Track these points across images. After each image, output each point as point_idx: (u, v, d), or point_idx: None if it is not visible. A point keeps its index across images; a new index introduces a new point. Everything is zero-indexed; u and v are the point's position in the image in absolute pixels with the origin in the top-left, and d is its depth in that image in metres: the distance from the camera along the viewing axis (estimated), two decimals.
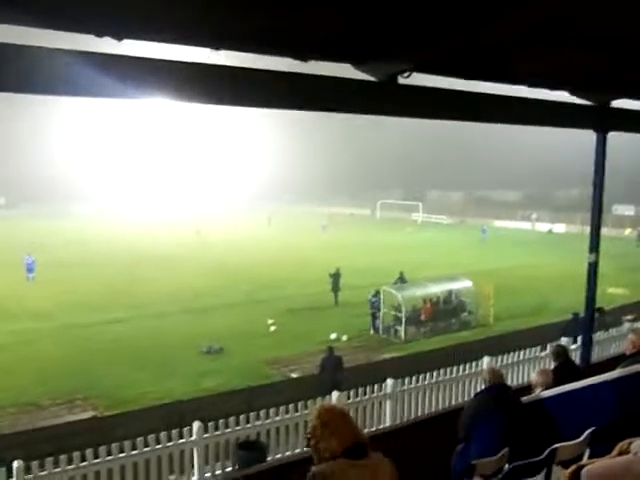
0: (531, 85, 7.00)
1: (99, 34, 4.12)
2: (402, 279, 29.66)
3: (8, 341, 23.11)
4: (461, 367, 13.62)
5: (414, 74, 5.74)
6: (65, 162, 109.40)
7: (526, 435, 5.37)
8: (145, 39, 4.47)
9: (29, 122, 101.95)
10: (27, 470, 9.02)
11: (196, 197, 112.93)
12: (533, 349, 14.76)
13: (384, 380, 12.60)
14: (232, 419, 10.76)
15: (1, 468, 8.97)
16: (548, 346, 13.94)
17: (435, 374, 13.15)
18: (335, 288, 30.30)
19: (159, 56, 4.50)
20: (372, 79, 5.69)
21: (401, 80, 5.73)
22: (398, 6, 4.25)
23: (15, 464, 9.07)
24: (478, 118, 7.78)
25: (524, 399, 6.04)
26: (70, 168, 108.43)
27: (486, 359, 13.99)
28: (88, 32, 4.12)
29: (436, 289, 26.72)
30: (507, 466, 5.13)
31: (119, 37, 4.20)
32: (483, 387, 6.31)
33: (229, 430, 10.66)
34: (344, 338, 23.32)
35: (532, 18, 4.50)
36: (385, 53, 5.45)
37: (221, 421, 10.65)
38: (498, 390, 5.97)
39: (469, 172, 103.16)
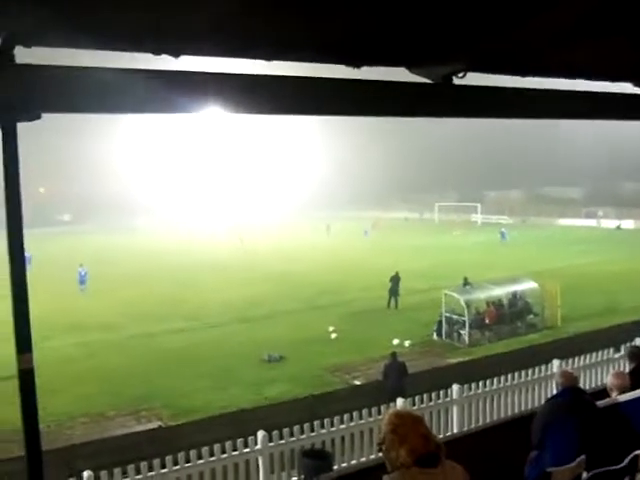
0: (590, 78, 6.74)
1: (156, 52, 4.16)
2: (467, 284, 29.00)
3: (75, 352, 23.72)
4: (530, 371, 13.26)
5: (469, 73, 5.61)
6: (127, 177, 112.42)
7: (604, 441, 5.13)
8: (203, 54, 4.50)
9: (91, 139, 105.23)
10: None
11: (252, 205, 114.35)
12: (606, 351, 14.25)
13: (449, 386, 12.36)
14: (296, 428, 10.71)
15: (71, 478, 9.14)
16: (622, 348, 13.43)
17: (503, 379, 12.82)
18: (394, 292, 29.99)
19: (217, 69, 4.52)
20: (427, 81, 5.60)
21: (456, 80, 5.61)
22: (452, 5, 4.14)
23: (85, 474, 9.26)
24: (538, 115, 7.54)
25: (600, 403, 5.78)
26: (132, 182, 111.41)
27: (556, 362, 13.59)
28: (145, 51, 4.16)
29: (500, 291, 26.16)
30: (585, 474, 4.89)
31: (176, 54, 4.23)
32: (555, 391, 6.06)
33: (294, 439, 10.61)
34: (407, 343, 23.04)
35: (588, 6, 4.32)
36: (440, 54, 5.36)
37: (285, 430, 10.61)
38: (572, 394, 5.72)
39: (526, 170, 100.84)
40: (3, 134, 3.62)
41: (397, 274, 30.45)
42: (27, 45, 3.53)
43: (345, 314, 28.65)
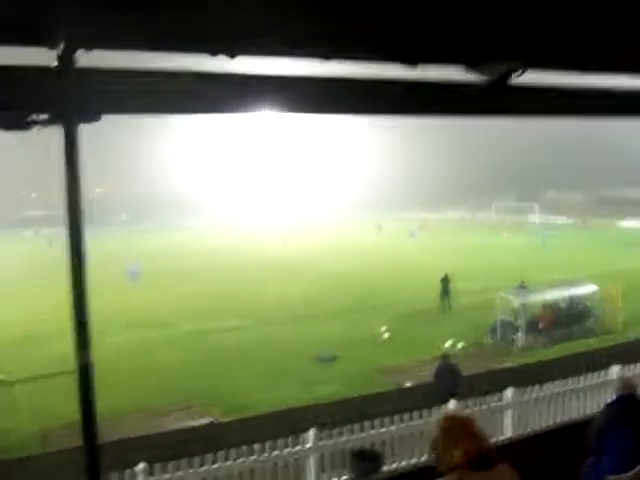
0: None
1: (213, 53, 4.24)
2: (522, 286, 28.41)
3: (131, 348, 24.31)
4: (587, 376, 12.95)
5: (526, 73, 5.53)
6: (182, 177, 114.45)
7: None
8: (257, 54, 4.54)
9: (148, 139, 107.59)
10: (150, 473, 9.37)
11: (304, 205, 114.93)
12: None
13: (503, 389, 12.18)
14: (346, 427, 10.72)
15: (126, 470, 9.36)
16: None
17: (559, 383, 12.56)
18: (445, 294, 29.75)
19: (270, 71, 4.58)
20: (484, 81, 5.53)
21: (513, 79, 5.54)
22: (507, 3, 4.10)
23: (140, 466, 9.47)
24: (599, 113, 7.35)
25: None
26: (187, 182, 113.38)
27: (615, 368, 13.22)
28: (201, 52, 4.24)
29: (556, 294, 25.56)
30: None
31: (232, 54, 4.30)
32: (614, 398, 5.92)
33: (344, 439, 10.62)
34: (459, 345, 22.76)
35: None
36: (498, 53, 5.29)
37: (335, 430, 10.63)
38: (630, 401, 5.58)
39: (588, 171, 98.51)
40: (65, 134, 3.74)
41: (446, 276, 30.18)
42: (88, 48, 3.64)
43: (398, 315, 28.49)
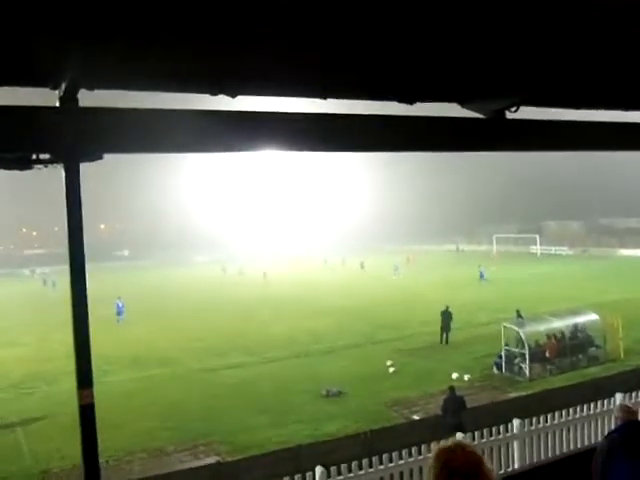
0: None
1: (214, 93, 4.30)
2: (519, 317, 28.32)
3: (133, 387, 24.18)
4: (592, 405, 12.84)
5: (522, 108, 5.62)
6: (185, 213, 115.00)
7: None
8: (257, 94, 4.62)
9: (151, 176, 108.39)
10: None
11: (301, 240, 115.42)
12: None
13: (510, 420, 12.06)
14: (354, 464, 10.58)
15: None
16: None
17: (564, 413, 12.45)
18: (446, 327, 29.55)
19: (272, 107, 4.63)
20: (479, 116, 5.62)
21: (509, 115, 5.62)
22: (502, 43, 4.19)
23: None
24: (591, 147, 7.47)
25: None
26: (190, 219, 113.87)
27: (618, 395, 13.14)
28: (204, 92, 4.31)
29: (560, 324, 25.48)
30: None
31: (233, 94, 4.36)
32: (614, 426, 5.85)
33: (352, 475, 10.49)
34: (466, 377, 22.61)
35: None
36: (492, 90, 5.39)
37: (343, 466, 10.50)
38: (631, 428, 5.50)
39: (588, 201, 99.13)
40: (67, 173, 3.77)
41: (447, 308, 30.04)
42: (90, 88, 3.70)
43: (403, 349, 28.42)
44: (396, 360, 25.44)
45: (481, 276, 54.98)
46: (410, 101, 5.19)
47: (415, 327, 32.99)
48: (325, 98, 4.78)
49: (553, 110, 6.00)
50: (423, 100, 5.24)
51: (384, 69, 4.50)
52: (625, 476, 4.95)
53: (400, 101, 5.14)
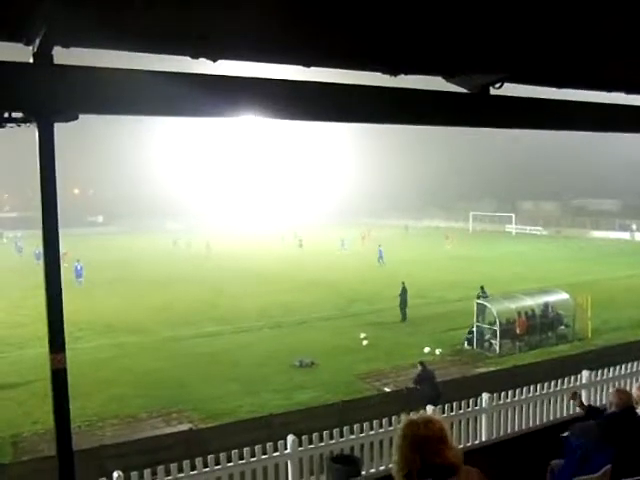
0: (629, 92, 6.67)
1: (194, 56, 4.22)
2: (484, 293, 28.71)
3: (106, 354, 24.13)
4: (559, 381, 13.08)
5: (506, 84, 5.60)
6: (160, 179, 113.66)
7: (633, 451, 5.01)
8: (238, 59, 4.54)
9: (127, 141, 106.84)
10: None
11: (286, 211, 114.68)
12: (635, 363, 14.01)
13: (479, 395, 12.24)
14: (326, 433, 10.68)
15: (102, 479, 9.21)
16: None
17: (532, 389, 12.66)
18: (403, 303, 29.85)
19: (252, 74, 4.56)
20: (464, 91, 5.59)
21: (493, 91, 5.60)
22: (488, 18, 4.15)
23: (115, 474, 9.35)
24: (572, 127, 7.50)
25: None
26: (164, 185, 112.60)
27: (585, 373, 13.39)
28: (183, 54, 4.23)
29: (531, 302, 25.88)
30: None
31: (214, 58, 4.28)
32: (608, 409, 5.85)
33: (323, 444, 10.59)
34: (437, 352, 22.89)
35: (627, 23, 4.29)
36: (477, 65, 5.35)
37: (315, 435, 10.59)
38: (621, 417, 5.51)
39: (563, 182, 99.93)
40: (40, 135, 3.68)
41: (404, 286, 30.24)
42: (65, 46, 3.59)
43: (376, 322, 28.65)
44: (370, 333, 25.60)
45: (379, 257, 51.20)
46: (394, 72, 5.13)
47: (393, 301, 33.16)
48: (308, 66, 4.71)
49: (538, 89, 5.99)
50: (407, 72, 5.19)
51: (369, 38, 4.44)
52: (606, 461, 5.03)
53: (384, 72, 5.09)
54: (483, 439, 11.70)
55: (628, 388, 13.27)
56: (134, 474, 9.20)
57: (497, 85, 5.54)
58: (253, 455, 10.04)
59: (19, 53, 3.58)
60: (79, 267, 40.82)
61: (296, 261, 53.34)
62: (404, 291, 30.03)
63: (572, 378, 13.24)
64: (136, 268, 50.42)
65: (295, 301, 34.46)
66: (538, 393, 12.71)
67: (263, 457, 10.12)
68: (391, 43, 4.57)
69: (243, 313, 31.61)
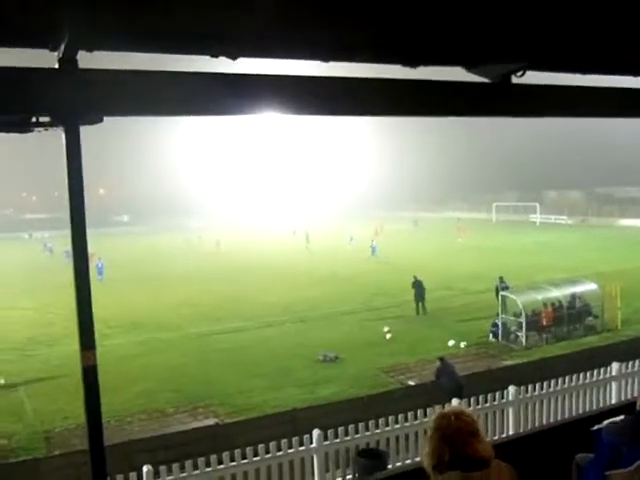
0: None
1: (214, 55, 4.24)
2: (502, 283, 28.41)
3: (134, 350, 24.50)
4: (587, 374, 12.97)
5: (528, 72, 5.54)
6: (184, 178, 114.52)
7: None
8: (258, 56, 4.56)
9: (152, 140, 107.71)
10: (156, 475, 9.39)
11: (303, 206, 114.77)
12: None
13: (505, 388, 12.20)
14: (351, 427, 10.72)
15: (132, 473, 9.35)
16: None
17: (560, 381, 12.57)
18: (420, 297, 29.37)
19: (270, 71, 4.58)
20: (485, 80, 5.54)
21: (514, 79, 5.55)
22: (507, 5, 4.12)
23: (145, 469, 9.48)
24: (598, 113, 7.39)
25: None
26: (189, 184, 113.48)
27: (615, 365, 13.25)
28: (203, 54, 4.26)
29: (558, 293, 25.56)
30: None
31: (234, 56, 4.30)
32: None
33: (348, 438, 10.63)
34: (462, 345, 22.78)
35: None
36: (497, 54, 5.30)
37: (340, 429, 10.64)
38: None
39: (588, 170, 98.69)
40: (67, 138, 3.74)
41: (417, 279, 29.81)
42: (89, 49, 3.64)
43: (400, 316, 28.56)
44: (394, 327, 25.57)
45: (373, 251, 51.59)
46: (414, 64, 5.11)
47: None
48: (327, 61, 4.72)
49: (562, 76, 5.91)
50: (427, 64, 5.17)
51: (388, 31, 4.43)
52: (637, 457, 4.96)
53: (404, 64, 5.07)
54: (510, 432, 11.66)
55: None
56: (163, 468, 9.34)
57: (519, 74, 5.49)
58: (279, 449, 10.12)
59: (35, 58, 3.65)
60: (100, 264, 41.64)
61: (301, 258, 53.24)
62: (418, 285, 29.61)
63: (602, 370, 13.12)
64: (158, 266, 50.97)
65: (313, 297, 34.53)
66: (566, 386, 12.62)
67: (289, 451, 10.20)
68: (410, 35, 4.55)
69: (265, 308, 31.80)
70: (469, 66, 5.40)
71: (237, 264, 49.54)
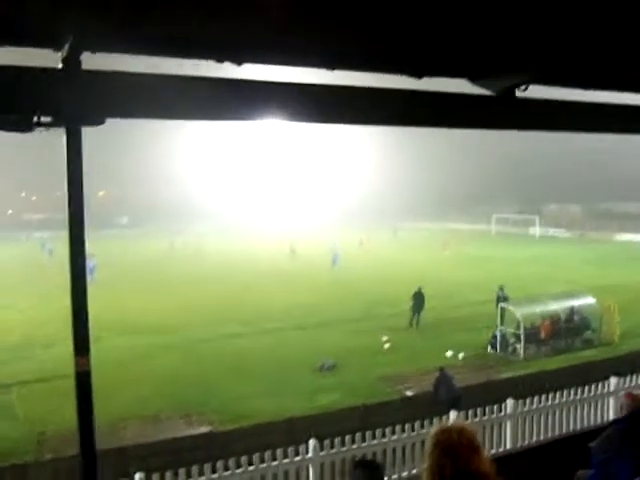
0: None
1: (220, 60, 4.22)
2: (502, 292, 28.34)
3: (129, 354, 24.35)
4: (586, 388, 12.89)
5: (533, 86, 5.53)
6: (185, 181, 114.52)
7: None
8: (263, 62, 4.54)
9: (151, 143, 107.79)
10: None
11: (303, 214, 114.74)
12: None
13: (503, 400, 12.11)
14: (348, 437, 10.63)
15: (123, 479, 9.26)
16: None
17: (558, 395, 12.50)
18: (417, 308, 28.61)
19: (276, 78, 4.56)
20: (489, 93, 5.52)
21: (518, 93, 5.54)
22: (513, 19, 4.10)
23: (137, 476, 9.38)
24: (600, 129, 7.39)
25: None
26: (188, 187, 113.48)
27: (613, 379, 13.18)
28: (208, 58, 4.23)
29: (556, 306, 25.57)
30: None
31: (239, 62, 4.28)
32: (620, 413, 5.81)
33: (345, 448, 10.54)
34: (460, 356, 22.70)
35: None
36: (502, 67, 5.29)
37: (337, 439, 10.55)
38: (637, 420, 5.43)
39: (589, 185, 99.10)
40: (68, 139, 3.69)
41: (420, 291, 29.11)
42: (93, 51, 3.60)
43: (399, 326, 28.37)
44: (392, 336, 25.48)
45: (334, 261, 49.61)
46: (419, 75, 5.10)
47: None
48: (332, 69, 4.70)
49: (562, 91, 5.91)
50: (432, 75, 5.16)
51: (393, 41, 4.40)
52: (629, 468, 4.92)
53: (408, 75, 5.06)
54: (508, 447, 11.57)
55: None
56: (156, 476, 9.25)
57: (522, 87, 5.48)
58: (274, 458, 10.03)
59: (39, 58, 3.60)
60: (91, 265, 40.32)
61: (281, 267, 51.26)
62: (419, 296, 28.94)
63: (599, 385, 13.06)
64: (154, 269, 51.03)
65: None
66: (564, 400, 12.55)
67: (285, 461, 10.11)
68: (415, 45, 4.54)
69: (262, 312, 31.81)
70: (473, 78, 5.39)
71: (205, 272, 48.95)
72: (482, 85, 5.49)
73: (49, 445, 15.55)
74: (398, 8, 3.80)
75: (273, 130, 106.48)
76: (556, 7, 3.91)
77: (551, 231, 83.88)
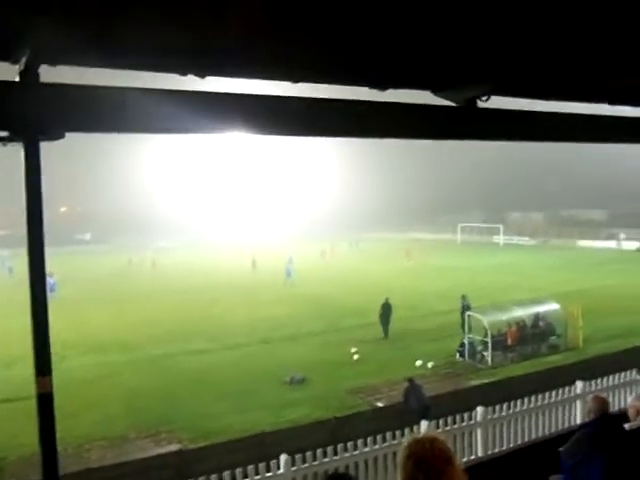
0: (612, 103, 6.68)
1: (183, 73, 4.18)
2: (465, 301, 28.64)
3: (93, 373, 23.85)
4: (553, 393, 13.03)
5: (496, 97, 5.60)
6: (148, 196, 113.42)
7: (630, 465, 4.94)
8: (227, 75, 4.51)
9: (113, 158, 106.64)
10: None
11: (267, 226, 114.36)
12: (629, 372, 13.99)
13: (473, 408, 12.17)
14: (319, 451, 10.56)
15: None
16: None
17: (527, 401, 12.60)
18: (385, 319, 28.63)
19: (239, 91, 4.53)
20: (451, 104, 5.59)
21: (480, 104, 5.60)
22: (474, 31, 4.14)
23: None
24: (561, 138, 7.50)
25: (625, 426, 5.61)
26: (154, 201, 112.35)
27: (579, 384, 13.36)
28: (172, 71, 4.19)
29: (522, 312, 25.93)
30: None
31: (202, 75, 4.25)
32: (587, 418, 5.86)
33: (317, 462, 10.46)
34: (429, 365, 22.79)
35: (612, 35, 4.30)
36: (464, 78, 5.35)
37: (308, 453, 10.46)
38: (606, 422, 5.49)
39: (551, 193, 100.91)
40: (26, 153, 3.59)
41: (387, 301, 29.07)
42: (52, 64, 3.52)
43: (367, 337, 28.35)
44: (361, 348, 25.46)
45: (288, 274, 48.44)
46: (382, 87, 5.12)
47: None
48: (296, 82, 4.68)
49: (524, 101, 6.00)
50: (396, 87, 5.18)
51: (356, 54, 4.42)
52: (599, 471, 4.95)
53: (371, 87, 5.07)
54: (479, 454, 11.61)
55: (623, 397, 13.30)
56: None
57: (484, 98, 5.54)
58: (245, 476, 9.92)
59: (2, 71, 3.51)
60: (52, 282, 39.69)
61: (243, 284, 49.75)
62: (387, 307, 28.88)
63: (567, 389, 13.20)
64: (117, 285, 50.30)
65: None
66: (533, 405, 12.66)
67: (256, 478, 9.99)
68: (378, 58, 4.56)
69: (227, 326, 31.70)
70: (435, 90, 5.43)
71: (168, 287, 48.45)
72: (444, 96, 5.54)
73: (10, 470, 15.13)
74: (361, 21, 3.81)
75: (240, 142, 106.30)
76: (517, 19, 3.95)
77: (515, 239, 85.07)
